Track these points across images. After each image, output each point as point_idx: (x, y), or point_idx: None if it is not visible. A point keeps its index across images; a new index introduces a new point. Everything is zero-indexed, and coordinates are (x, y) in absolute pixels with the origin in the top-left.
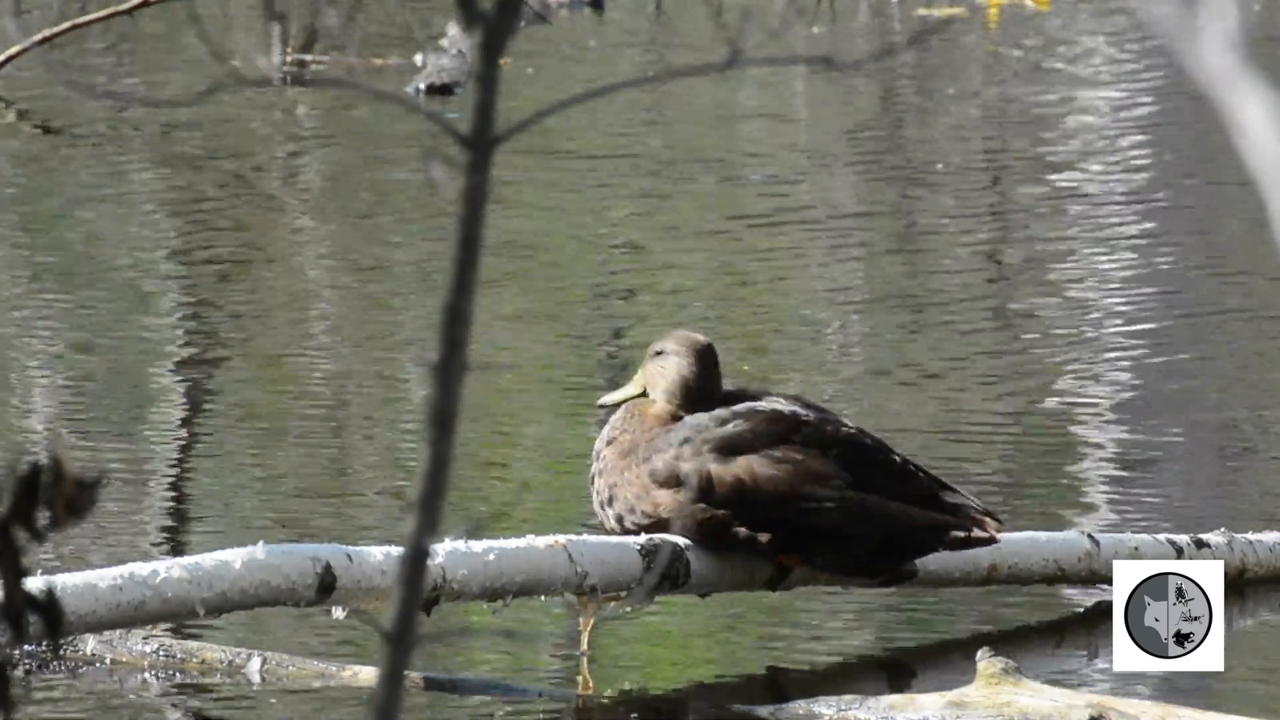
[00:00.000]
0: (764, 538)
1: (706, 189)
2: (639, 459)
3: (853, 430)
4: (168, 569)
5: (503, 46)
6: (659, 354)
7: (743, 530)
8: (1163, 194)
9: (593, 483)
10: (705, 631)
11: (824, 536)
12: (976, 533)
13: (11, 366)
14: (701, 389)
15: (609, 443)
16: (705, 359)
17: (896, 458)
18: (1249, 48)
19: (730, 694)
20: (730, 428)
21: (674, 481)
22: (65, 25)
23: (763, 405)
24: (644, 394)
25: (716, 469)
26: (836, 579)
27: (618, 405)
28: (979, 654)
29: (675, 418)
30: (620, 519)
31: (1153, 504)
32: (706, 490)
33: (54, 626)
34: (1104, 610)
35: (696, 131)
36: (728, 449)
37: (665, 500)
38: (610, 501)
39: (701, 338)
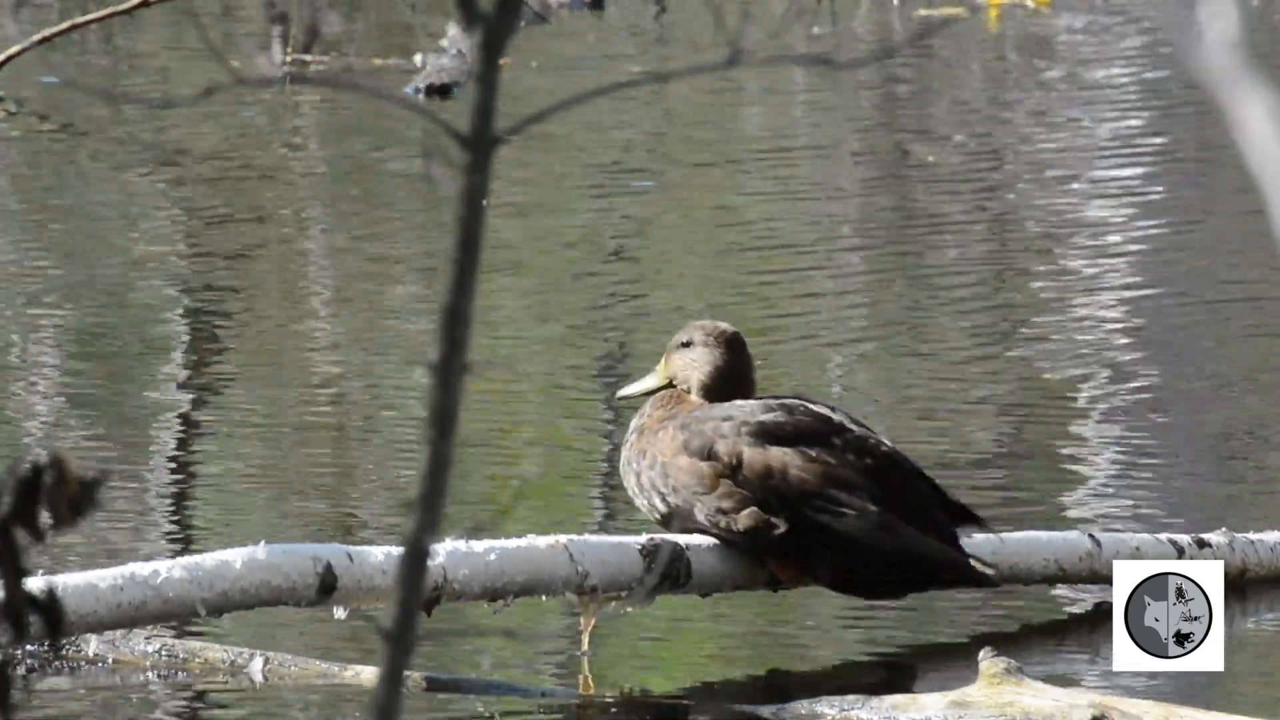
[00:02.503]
0: (779, 524)
1: (705, 187)
2: (678, 425)
3: (892, 448)
4: (168, 569)
5: (503, 46)
6: (686, 345)
7: (756, 511)
8: (1163, 192)
9: (625, 465)
10: (706, 631)
11: (832, 544)
12: (979, 567)
13: (12, 366)
14: (736, 377)
15: (640, 431)
16: (734, 347)
17: (930, 482)
18: (1249, 46)
19: (731, 694)
20: (772, 417)
21: (706, 454)
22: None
23: (813, 405)
24: (669, 386)
25: (749, 452)
26: (833, 592)
27: (639, 397)
28: (981, 654)
29: None
30: (639, 474)
31: (1153, 504)
32: (734, 468)
33: (54, 627)
34: (1104, 610)
35: (695, 130)
36: (765, 436)
37: (689, 467)
38: (639, 458)
39: (728, 326)
